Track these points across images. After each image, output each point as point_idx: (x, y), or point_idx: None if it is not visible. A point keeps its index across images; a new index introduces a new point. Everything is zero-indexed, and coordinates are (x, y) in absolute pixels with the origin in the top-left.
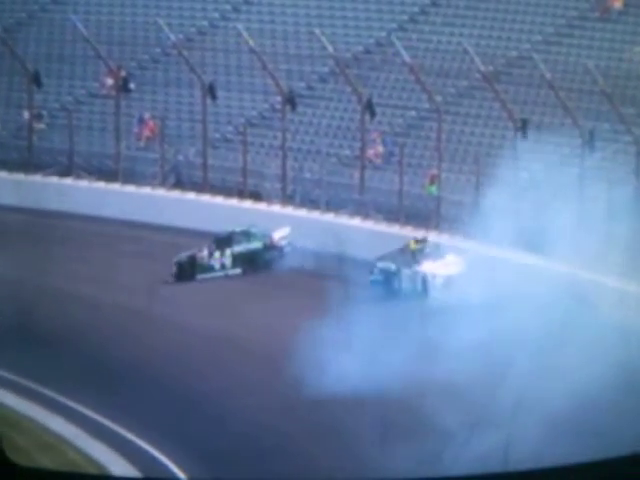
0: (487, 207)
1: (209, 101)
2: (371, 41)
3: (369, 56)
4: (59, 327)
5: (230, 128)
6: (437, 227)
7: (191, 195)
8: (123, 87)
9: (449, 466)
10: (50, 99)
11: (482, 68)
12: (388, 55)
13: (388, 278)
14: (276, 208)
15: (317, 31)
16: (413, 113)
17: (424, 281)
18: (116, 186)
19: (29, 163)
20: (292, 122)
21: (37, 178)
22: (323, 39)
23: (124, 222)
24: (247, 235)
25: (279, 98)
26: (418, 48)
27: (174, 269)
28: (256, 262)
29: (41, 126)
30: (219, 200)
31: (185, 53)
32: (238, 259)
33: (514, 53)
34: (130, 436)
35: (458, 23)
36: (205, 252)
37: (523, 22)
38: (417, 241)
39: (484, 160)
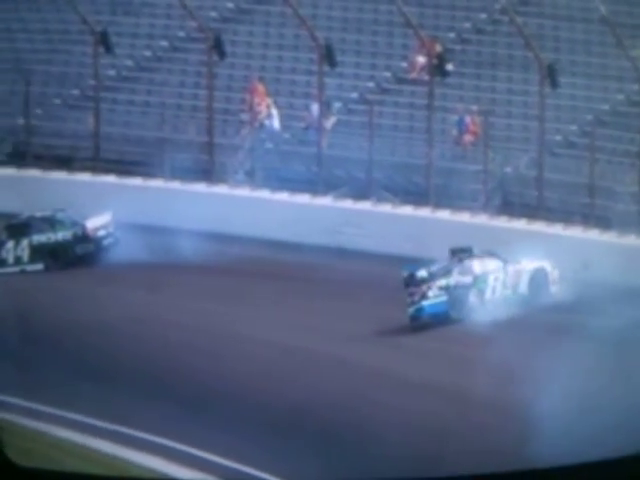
0: None
1: (548, 89)
2: None
3: None
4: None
5: (574, 127)
6: None
7: (521, 223)
8: (438, 68)
9: None
10: (346, 85)
11: None
12: None
13: (459, 296)
14: (631, 240)
15: None
16: None
17: (535, 279)
18: (425, 212)
19: (317, 180)
20: None
21: (326, 201)
22: None
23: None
24: (51, 222)
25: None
26: None
27: None
28: (64, 256)
29: (331, 121)
30: (555, 230)
31: (518, 20)
32: (39, 252)
33: None
34: None
35: None
36: None
37: None
38: (463, 249)
39: None
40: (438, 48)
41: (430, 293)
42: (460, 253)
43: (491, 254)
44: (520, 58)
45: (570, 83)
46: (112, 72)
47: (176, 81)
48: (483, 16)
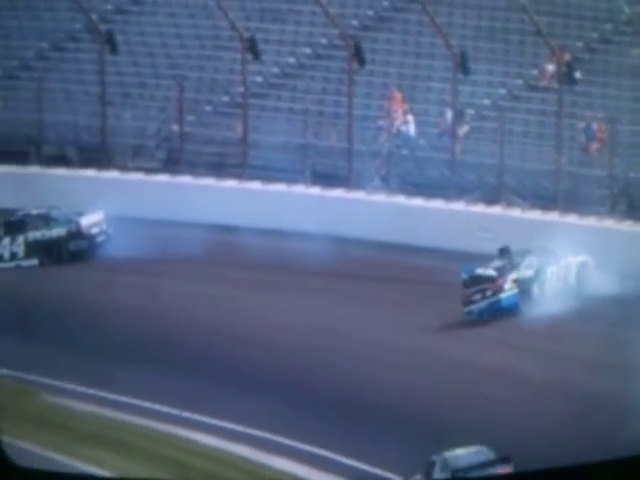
0: None
1: None
2: None
3: None
4: None
5: None
6: None
7: None
8: (566, 76)
9: None
10: (479, 92)
11: None
12: None
13: (526, 288)
14: None
15: None
16: None
17: (581, 271)
18: (553, 216)
19: (450, 185)
20: None
21: (458, 206)
22: None
23: None
24: (46, 219)
25: None
26: None
27: None
28: (58, 252)
29: (464, 129)
30: None
31: None
32: (34, 248)
33: None
34: None
35: None
36: None
37: None
38: (503, 249)
39: None
40: (567, 57)
41: (506, 286)
42: (507, 252)
43: (545, 250)
44: None
45: None
46: (259, 79)
47: (318, 88)
48: (609, 26)
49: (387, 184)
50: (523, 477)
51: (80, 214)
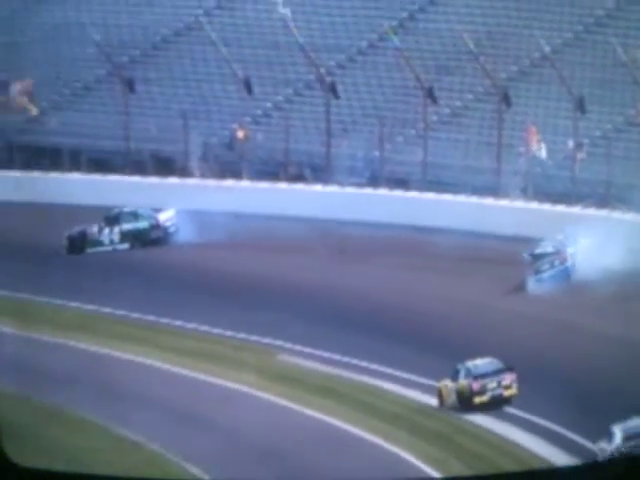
0: None
1: None
2: None
3: None
4: None
5: None
6: None
7: None
8: None
9: None
10: (592, 127)
11: None
12: None
13: (574, 262)
14: None
15: None
16: None
17: (594, 252)
18: None
19: (570, 194)
20: None
21: (575, 210)
22: None
23: None
24: (135, 215)
25: None
26: None
27: (65, 243)
28: (143, 239)
29: (581, 156)
30: None
31: None
32: (126, 236)
33: None
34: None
35: None
36: (95, 228)
37: None
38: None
39: None
40: None
41: (568, 257)
42: (545, 240)
43: (574, 235)
44: None
45: None
46: (435, 117)
47: (476, 124)
48: None
49: (525, 194)
50: (526, 476)
51: (158, 211)
